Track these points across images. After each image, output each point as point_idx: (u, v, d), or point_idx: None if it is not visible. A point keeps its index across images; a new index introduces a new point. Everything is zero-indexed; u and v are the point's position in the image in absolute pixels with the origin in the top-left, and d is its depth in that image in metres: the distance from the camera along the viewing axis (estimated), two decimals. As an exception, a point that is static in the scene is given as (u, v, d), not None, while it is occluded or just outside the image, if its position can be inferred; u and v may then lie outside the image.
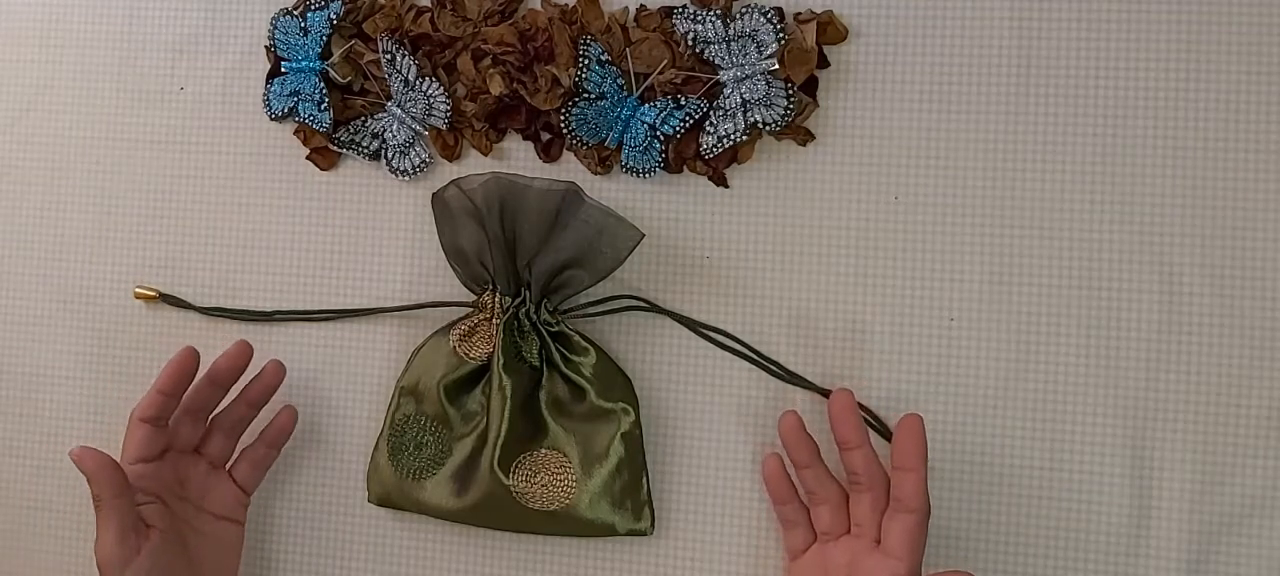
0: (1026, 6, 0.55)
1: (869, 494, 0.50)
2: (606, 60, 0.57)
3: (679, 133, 0.56)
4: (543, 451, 0.56)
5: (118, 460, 0.52)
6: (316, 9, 0.60)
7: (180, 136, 0.64)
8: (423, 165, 0.60)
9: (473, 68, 0.58)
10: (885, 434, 0.55)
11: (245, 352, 0.56)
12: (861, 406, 0.56)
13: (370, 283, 0.61)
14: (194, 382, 0.55)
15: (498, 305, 0.56)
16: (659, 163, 0.57)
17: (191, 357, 0.54)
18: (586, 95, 0.57)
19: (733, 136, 0.56)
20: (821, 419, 0.56)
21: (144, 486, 0.53)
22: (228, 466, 0.58)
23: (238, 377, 0.56)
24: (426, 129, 0.60)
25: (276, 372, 0.58)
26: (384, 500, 0.58)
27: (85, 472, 0.51)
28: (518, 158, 0.60)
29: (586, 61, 0.57)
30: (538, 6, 0.59)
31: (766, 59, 0.55)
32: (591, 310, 0.58)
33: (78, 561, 0.63)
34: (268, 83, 0.62)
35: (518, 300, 0.56)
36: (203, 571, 0.55)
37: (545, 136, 0.59)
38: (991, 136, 0.56)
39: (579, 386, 0.56)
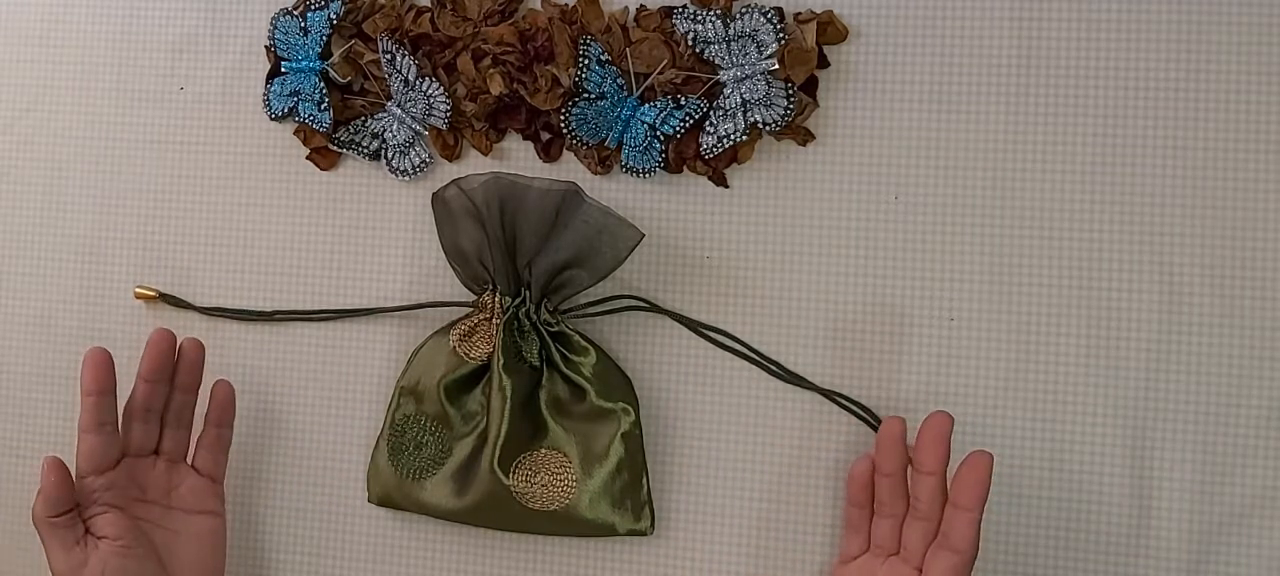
0: (1026, 6, 0.55)
1: (924, 523, 0.48)
2: (606, 60, 0.57)
3: (679, 133, 0.56)
4: (543, 451, 0.56)
5: (66, 478, 0.52)
6: (316, 9, 0.60)
7: (180, 136, 0.64)
8: (423, 165, 0.60)
9: (473, 68, 0.58)
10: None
11: (165, 339, 0.55)
12: (859, 404, 0.56)
13: (370, 282, 0.61)
14: (138, 386, 0.54)
15: (498, 305, 0.56)
16: (659, 163, 0.57)
17: (104, 354, 0.53)
18: (586, 95, 0.57)
19: (733, 136, 0.56)
20: (821, 419, 0.56)
21: (99, 498, 0.53)
22: (189, 459, 0.57)
23: (169, 365, 0.55)
24: (426, 129, 0.60)
25: (195, 348, 0.56)
26: (384, 500, 0.58)
27: (42, 488, 0.51)
28: (518, 158, 0.60)
29: (586, 61, 0.57)
30: (538, 6, 0.59)
31: (766, 59, 0.55)
32: (591, 310, 0.58)
33: (78, 561, 0.63)
34: (268, 83, 0.62)
35: (518, 300, 0.56)
36: (181, 569, 0.55)
37: (545, 136, 0.59)
38: (991, 136, 0.56)
39: (579, 386, 0.56)
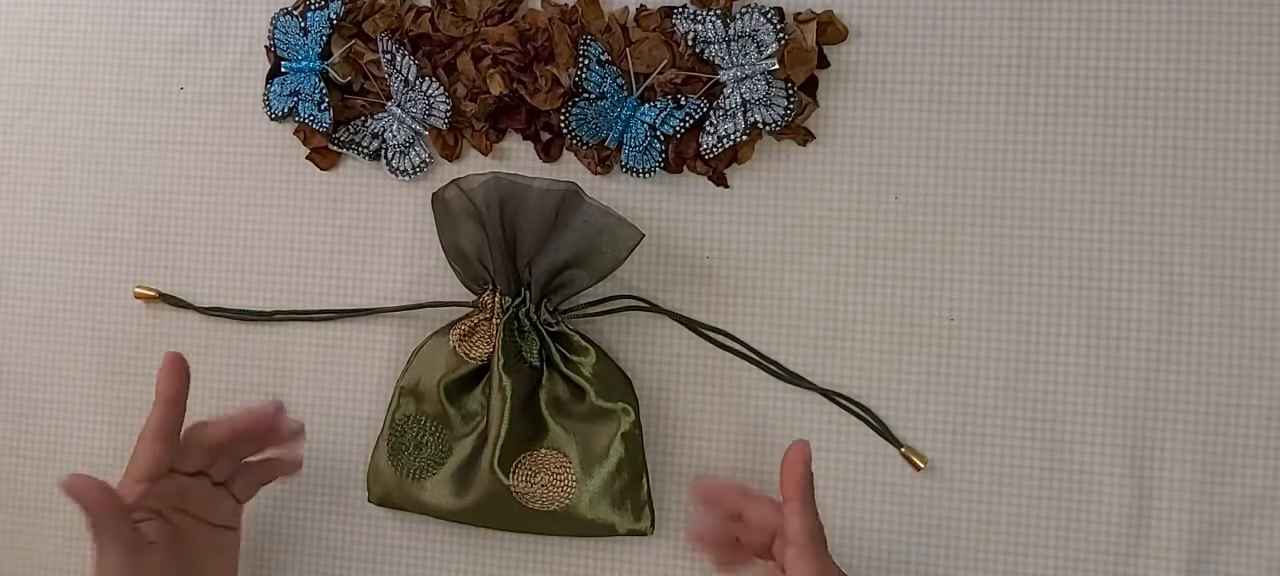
0: (1026, 6, 0.55)
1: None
2: (606, 60, 0.57)
3: (679, 133, 0.56)
4: (543, 451, 0.56)
5: (108, 483, 0.50)
6: (316, 9, 0.60)
7: (180, 136, 0.64)
8: (423, 165, 0.60)
9: (473, 68, 0.58)
10: (886, 435, 0.55)
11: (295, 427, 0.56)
12: (859, 404, 0.56)
13: (370, 283, 0.61)
14: (226, 436, 0.53)
15: (498, 305, 0.56)
16: (659, 163, 0.57)
17: (182, 361, 0.52)
18: (586, 95, 0.57)
19: (733, 136, 0.56)
20: (821, 419, 0.56)
21: (146, 503, 0.51)
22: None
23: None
24: (426, 129, 0.60)
25: (283, 417, 0.56)
26: (384, 500, 0.58)
27: (79, 501, 0.48)
28: (518, 158, 0.60)
29: (586, 61, 0.57)
30: (538, 6, 0.59)
31: (766, 59, 0.55)
32: (591, 310, 0.58)
33: (78, 561, 0.63)
34: (268, 83, 0.62)
35: (518, 300, 0.56)
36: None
37: (545, 136, 0.59)
38: (991, 136, 0.56)
39: (579, 386, 0.56)
